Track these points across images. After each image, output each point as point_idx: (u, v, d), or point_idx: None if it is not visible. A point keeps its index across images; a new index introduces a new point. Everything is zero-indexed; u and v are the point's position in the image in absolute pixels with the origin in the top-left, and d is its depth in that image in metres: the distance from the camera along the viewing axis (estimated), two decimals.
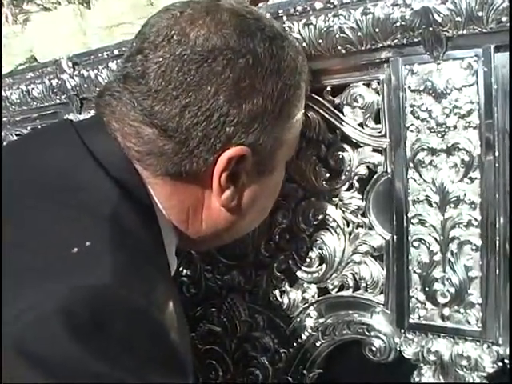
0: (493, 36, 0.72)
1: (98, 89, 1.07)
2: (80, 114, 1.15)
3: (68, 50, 1.18)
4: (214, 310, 1.03)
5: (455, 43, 0.75)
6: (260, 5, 0.90)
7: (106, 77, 1.06)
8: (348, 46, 0.81)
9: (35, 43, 1.28)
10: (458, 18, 0.72)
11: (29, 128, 1.28)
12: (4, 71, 1.34)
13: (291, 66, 0.75)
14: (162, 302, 0.60)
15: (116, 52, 1.04)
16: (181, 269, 1.06)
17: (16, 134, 1.33)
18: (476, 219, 0.76)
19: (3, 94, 1.27)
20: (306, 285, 0.93)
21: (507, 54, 0.73)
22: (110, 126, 0.72)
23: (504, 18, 0.70)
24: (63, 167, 0.69)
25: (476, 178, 0.75)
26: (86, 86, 1.10)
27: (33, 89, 1.20)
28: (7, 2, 1.58)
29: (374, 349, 0.85)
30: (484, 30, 0.72)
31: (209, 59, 0.69)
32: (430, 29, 0.74)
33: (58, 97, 1.17)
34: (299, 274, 0.93)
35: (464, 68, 0.75)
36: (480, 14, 0.70)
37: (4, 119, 1.34)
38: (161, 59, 0.70)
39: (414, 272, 0.81)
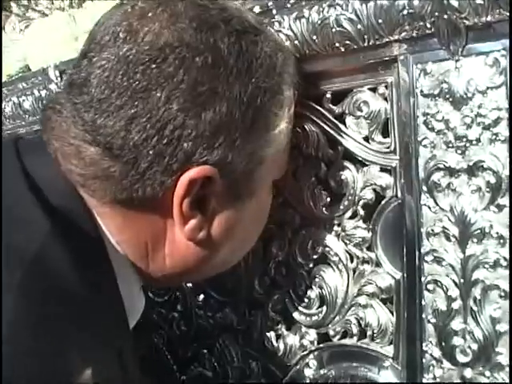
0: None
1: None
2: None
3: (60, 58, 1.09)
4: (205, 351, 0.90)
5: (477, 34, 0.59)
6: None
7: None
8: (347, 42, 0.67)
9: (29, 51, 1.19)
10: (480, 1, 0.56)
11: None
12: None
13: (266, 64, 0.62)
14: (72, 369, 0.48)
15: None
16: (171, 302, 0.94)
17: None
18: (505, 258, 0.60)
19: None
20: (304, 329, 0.79)
21: None
22: (50, 146, 0.61)
23: None
24: (4, 201, 0.58)
25: (505, 206, 0.59)
26: None
27: (24, 101, 1.11)
28: (16, 8, 1.53)
29: None
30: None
31: (158, 59, 0.57)
32: (445, 16, 0.59)
33: None
34: (297, 316, 0.79)
35: (489, 65, 0.59)
36: None
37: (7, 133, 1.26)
38: (104, 62, 0.58)
39: (429, 322, 0.65)
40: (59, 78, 1.02)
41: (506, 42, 0.58)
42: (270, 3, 0.72)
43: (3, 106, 1.17)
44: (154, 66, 0.56)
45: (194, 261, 0.65)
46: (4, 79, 1.21)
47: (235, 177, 0.61)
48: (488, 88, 0.59)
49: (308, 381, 0.78)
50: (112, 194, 0.59)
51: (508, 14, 0.56)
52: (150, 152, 0.57)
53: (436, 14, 0.59)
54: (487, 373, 0.62)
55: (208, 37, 0.58)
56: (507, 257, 0.60)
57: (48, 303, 0.51)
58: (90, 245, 0.59)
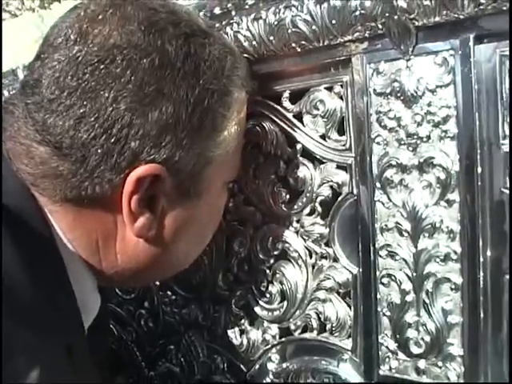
0: (471, 24, 0.59)
1: None
2: None
3: (29, 58, 1.09)
4: (172, 347, 0.91)
5: (427, 34, 0.61)
6: None
7: None
8: (303, 42, 0.68)
9: None
10: (427, 3, 0.58)
11: None
12: None
13: (214, 67, 0.62)
14: (18, 371, 0.48)
15: None
16: (139, 300, 0.94)
17: None
18: (455, 252, 0.61)
19: None
20: (266, 324, 0.80)
21: (492, 45, 0.59)
22: (4, 146, 0.61)
23: (483, 0, 0.55)
24: None
25: (455, 201, 0.61)
26: None
27: None
28: None
29: None
30: (460, 17, 0.58)
31: (106, 60, 0.57)
32: (395, 17, 0.61)
33: None
34: (259, 311, 0.80)
35: (438, 64, 0.61)
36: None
37: None
38: (56, 63, 0.59)
39: (384, 315, 0.67)
40: None
41: (455, 41, 0.60)
42: (230, 5, 0.72)
43: None
44: (102, 66, 0.57)
45: (145, 258, 0.65)
46: None
47: (183, 176, 0.62)
48: (437, 87, 0.61)
49: (271, 374, 0.79)
50: (62, 193, 0.59)
51: (455, 15, 0.58)
52: (99, 151, 0.57)
53: (386, 14, 0.61)
54: (440, 363, 0.63)
55: (156, 39, 0.59)
56: (457, 250, 0.61)
57: None
58: (41, 243, 0.59)
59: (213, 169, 0.64)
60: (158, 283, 0.91)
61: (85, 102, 0.57)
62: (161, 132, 0.58)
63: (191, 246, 0.70)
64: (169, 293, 0.90)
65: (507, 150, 0.59)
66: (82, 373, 0.58)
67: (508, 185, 0.59)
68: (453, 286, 0.62)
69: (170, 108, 0.58)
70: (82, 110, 0.57)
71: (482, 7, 0.56)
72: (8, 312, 0.50)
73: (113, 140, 0.57)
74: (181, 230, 0.65)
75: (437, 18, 0.59)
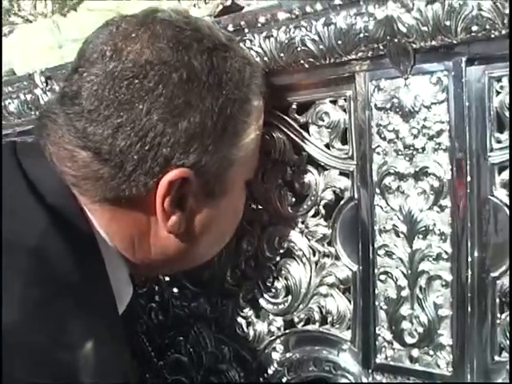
0: (463, 48, 0.65)
1: None
2: None
3: (45, 64, 1.14)
4: (181, 338, 0.97)
5: (423, 56, 0.68)
6: (224, 16, 0.85)
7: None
8: (311, 59, 0.74)
9: (14, 56, 1.24)
10: (425, 28, 0.65)
11: None
12: None
13: (235, 78, 0.69)
14: (74, 341, 0.55)
15: None
16: (150, 294, 1.00)
17: None
18: (446, 252, 0.68)
19: None
20: (271, 316, 0.86)
21: (481, 67, 0.66)
22: (46, 150, 0.68)
23: (474, 28, 0.63)
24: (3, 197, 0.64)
25: (446, 206, 0.68)
26: None
27: (9, 103, 1.17)
28: None
29: None
30: (454, 41, 0.65)
31: (140, 75, 0.63)
32: (396, 40, 0.68)
33: (32, 112, 1.13)
34: (265, 304, 0.86)
35: (433, 83, 0.68)
36: (448, 23, 0.64)
37: None
38: (94, 77, 0.65)
39: (381, 308, 0.73)
40: (45, 84, 1.07)
41: (449, 63, 0.67)
42: (242, 22, 0.79)
43: None
44: (136, 81, 0.63)
45: (174, 252, 0.72)
46: None
47: (209, 178, 0.68)
48: (432, 103, 0.68)
49: (275, 363, 0.85)
50: (102, 194, 0.66)
51: (449, 40, 0.65)
52: (135, 157, 0.64)
53: (388, 37, 0.68)
54: (431, 352, 0.70)
55: (183, 55, 0.65)
56: (448, 251, 0.68)
57: (51, 287, 0.58)
58: (82, 237, 0.65)
59: (235, 170, 0.71)
60: (168, 278, 0.97)
61: (121, 113, 0.63)
62: (189, 139, 0.65)
63: (214, 240, 0.77)
64: (178, 287, 0.96)
65: (494, 161, 0.66)
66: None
67: (494, 193, 0.66)
68: (443, 283, 0.69)
69: (197, 118, 0.65)
70: (118, 120, 0.63)
71: (473, 34, 0.63)
72: (63, 295, 0.57)
73: (147, 147, 0.63)
74: (206, 226, 0.72)
75: (433, 42, 0.66)
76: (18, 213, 0.63)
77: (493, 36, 0.62)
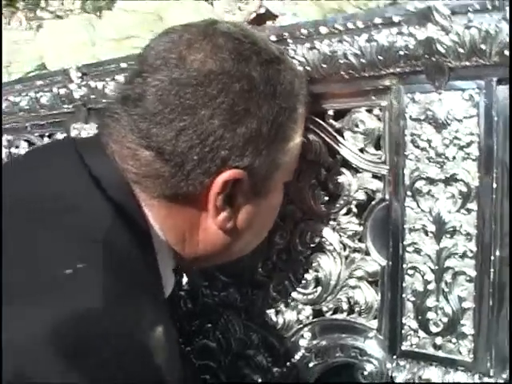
0: (495, 69, 0.73)
1: (104, 100, 1.08)
2: (86, 123, 1.16)
3: (77, 60, 1.20)
4: (209, 325, 1.04)
5: (457, 74, 0.75)
6: (267, 25, 0.91)
7: (113, 89, 1.07)
8: (351, 71, 0.81)
9: (46, 51, 1.29)
10: (461, 50, 0.72)
11: (36, 134, 1.30)
12: (15, 77, 1.36)
13: (287, 89, 0.75)
14: (150, 325, 0.61)
15: (123, 65, 1.05)
16: (179, 283, 1.06)
17: (25, 140, 1.34)
18: (471, 250, 0.76)
19: (12, 99, 1.29)
20: (300, 306, 0.93)
21: (507, 86, 0.73)
22: (108, 148, 0.73)
23: (506, 52, 0.70)
24: (61, 188, 0.70)
25: (473, 210, 0.76)
26: (93, 96, 1.12)
27: (41, 96, 1.21)
28: (22, 5, 1.61)
29: (365, 373, 0.85)
30: (487, 63, 0.72)
31: (204, 83, 0.69)
32: (433, 59, 0.75)
33: (65, 106, 1.18)
34: (294, 295, 0.94)
35: (465, 99, 0.75)
36: (483, 46, 0.71)
37: (13, 125, 1.36)
38: (158, 82, 0.70)
39: (408, 300, 0.81)
40: (80, 79, 1.13)
41: (480, 82, 0.74)
42: (286, 33, 0.86)
43: (19, 100, 1.27)
44: (200, 88, 0.69)
45: (220, 246, 0.78)
46: (19, 75, 1.31)
47: (258, 179, 0.75)
48: (464, 117, 0.75)
49: (302, 349, 0.93)
50: (161, 191, 0.72)
51: (482, 61, 0.73)
52: (195, 158, 0.70)
53: (426, 56, 0.75)
54: (454, 340, 0.78)
55: (243, 66, 0.71)
56: (473, 249, 0.76)
57: (124, 276, 0.63)
58: (141, 231, 0.71)
59: (279, 172, 0.78)
60: (199, 270, 1.03)
61: (184, 117, 0.69)
62: (245, 144, 0.71)
63: (254, 236, 0.83)
64: (209, 277, 1.03)
65: None
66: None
67: None
68: (468, 278, 0.76)
69: (253, 124, 0.71)
70: (182, 124, 0.69)
71: (504, 57, 0.71)
72: (135, 282, 0.63)
73: (207, 150, 0.70)
74: (249, 223, 0.78)
75: (467, 63, 0.73)
76: (84, 207, 0.68)
77: None
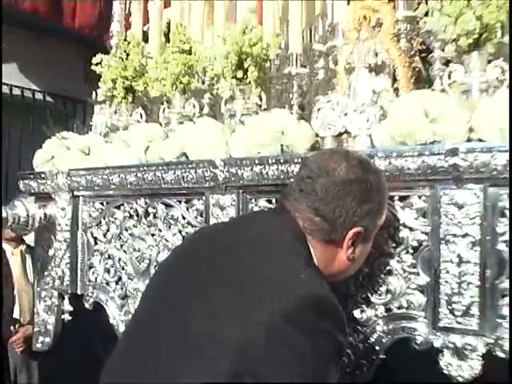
0: (486, 180, 1.44)
1: (241, 182, 1.76)
2: (223, 195, 1.82)
3: (213, 153, 1.83)
4: None
5: (469, 181, 1.47)
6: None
7: (249, 175, 1.74)
8: (410, 177, 1.52)
9: (186, 144, 1.89)
10: (471, 170, 1.44)
11: (174, 200, 1.96)
12: (159, 161, 2.01)
13: (384, 187, 1.46)
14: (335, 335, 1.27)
15: (256, 161, 1.73)
16: None
17: (162, 203, 2.00)
18: (476, 271, 1.47)
19: (159, 174, 1.93)
20: (377, 306, 1.62)
21: (496, 189, 1.45)
22: (292, 214, 1.41)
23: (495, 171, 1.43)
24: (273, 234, 1.38)
25: (477, 250, 1.46)
26: (232, 179, 1.78)
27: (187, 175, 1.87)
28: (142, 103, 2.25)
29: (417, 342, 1.54)
30: (483, 176, 1.44)
31: (346, 185, 1.38)
32: (457, 173, 1.46)
33: (207, 183, 1.84)
34: (373, 299, 1.62)
35: (474, 195, 1.46)
36: (483, 169, 1.43)
37: (158, 192, 2.03)
38: (323, 181, 1.39)
39: (442, 299, 1.50)
40: (223, 167, 1.79)
41: (481, 186, 1.47)
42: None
43: (166, 176, 1.92)
44: (347, 188, 1.39)
45: (343, 269, 1.46)
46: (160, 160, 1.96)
47: (367, 233, 1.44)
48: (472, 203, 1.47)
49: (378, 331, 1.60)
50: (321, 237, 1.40)
51: (481, 176, 1.45)
52: (340, 221, 1.39)
53: (452, 171, 1.47)
54: (468, 318, 1.48)
55: (367, 176, 1.42)
56: (477, 271, 1.47)
57: (321, 278, 1.31)
58: (308, 261, 1.38)
59: (375, 230, 1.48)
60: None
61: (339, 201, 1.38)
62: (365, 215, 1.40)
63: (357, 265, 1.51)
64: None
65: None
66: None
67: None
68: (475, 285, 1.47)
69: (370, 206, 1.41)
70: (336, 204, 1.38)
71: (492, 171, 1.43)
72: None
73: (348, 217, 1.38)
74: (357, 258, 1.46)
75: (473, 176, 1.46)
76: (290, 243, 1.36)
77: None
